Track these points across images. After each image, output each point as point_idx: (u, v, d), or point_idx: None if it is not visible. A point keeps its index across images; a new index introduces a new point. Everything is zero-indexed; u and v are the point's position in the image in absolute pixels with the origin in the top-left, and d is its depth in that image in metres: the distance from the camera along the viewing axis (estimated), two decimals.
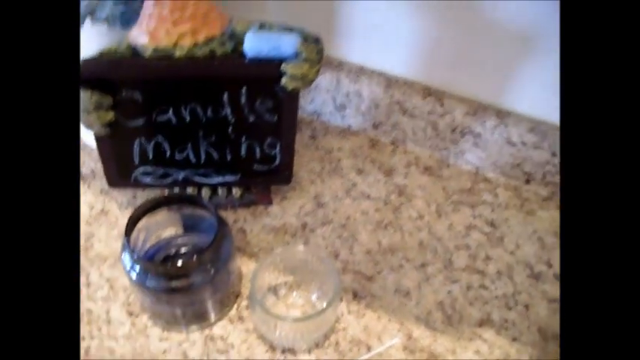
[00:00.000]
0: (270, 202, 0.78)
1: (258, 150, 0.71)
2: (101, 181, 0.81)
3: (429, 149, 0.85)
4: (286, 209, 0.78)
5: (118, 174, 0.72)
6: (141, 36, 0.62)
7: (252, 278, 0.62)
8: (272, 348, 0.65)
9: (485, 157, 0.82)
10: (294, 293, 0.69)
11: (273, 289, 0.68)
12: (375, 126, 0.86)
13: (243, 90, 0.65)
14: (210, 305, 0.64)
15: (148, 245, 0.67)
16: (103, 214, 0.78)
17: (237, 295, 0.69)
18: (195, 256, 0.59)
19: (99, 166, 0.82)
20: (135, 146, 0.69)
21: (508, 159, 0.81)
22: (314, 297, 0.68)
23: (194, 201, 0.65)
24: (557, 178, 0.81)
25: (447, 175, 0.83)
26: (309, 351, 0.65)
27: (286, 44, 0.62)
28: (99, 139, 0.68)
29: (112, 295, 0.69)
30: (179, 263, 0.60)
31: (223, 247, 0.62)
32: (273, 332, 0.63)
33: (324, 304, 0.62)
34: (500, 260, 0.75)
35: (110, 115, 0.65)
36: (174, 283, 0.59)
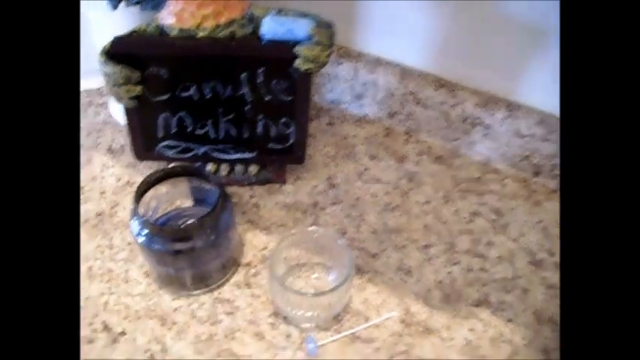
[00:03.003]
0: (284, 181, 0.83)
1: (273, 129, 0.75)
2: (129, 156, 0.87)
3: (441, 139, 0.89)
4: (299, 188, 0.82)
5: (144, 147, 0.78)
6: (168, 17, 0.68)
7: (272, 254, 0.66)
8: (275, 314, 0.69)
9: (494, 148, 0.85)
10: (310, 271, 0.73)
11: (291, 266, 0.72)
12: (391, 115, 0.90)
13: (261, 70, 0.70)
14: (212, 269, 0.69)
15: (158, 214, 0.73)
16: (128, 185, 0.84)
17: (238, 262, 0.74)
18: (196, 221, 0.64)
19: (128, 142, 0.88)
20: (160, 120, 0.74)
21: (517, 150, 0.84)
22: (330, 277, 0.72)
23: (198, 173, 0.70)
24: None
25: (457, 165, 0.86)
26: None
27: (300, 28, 0.67)
28: (128, 112, 0.74)
29: (132, 258, 0.75)
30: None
31: (223, 216, 0.66)
32: (289, 306, 0.67)
33: (338, 283, 0.65)
34: (503, 246, 0.78)
35: (138, 89, 0.71)
36: (178, 246, 0.65)
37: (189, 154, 0.78)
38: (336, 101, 0.93)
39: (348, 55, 0.89)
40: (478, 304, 0.72)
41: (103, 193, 0.83)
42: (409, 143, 0.89)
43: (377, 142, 0.89)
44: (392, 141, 0.90)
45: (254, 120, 0.75)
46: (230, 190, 0.81)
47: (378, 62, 0.88)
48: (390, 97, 0.88)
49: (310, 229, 0.71)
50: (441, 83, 0.84)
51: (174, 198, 0.75)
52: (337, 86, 0.91)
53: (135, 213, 0.65)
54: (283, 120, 0.74)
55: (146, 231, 0.65)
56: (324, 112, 0.93)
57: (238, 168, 0.81)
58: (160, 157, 0.79)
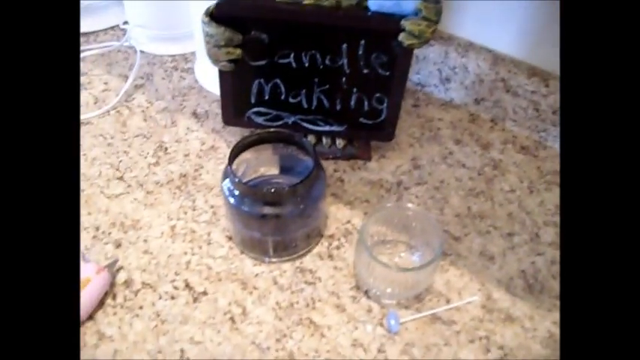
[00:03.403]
0: (369, 158, 0.82)
1: (366, 103, 0.75)
2: (214, 121, 0.88)
3: (527, 130, 0.87)
4: (384, 166, 0.82)
5: (234, 112, 0.78)
6: None
7: (364, 224, 0.66)
8: (356, 287, 0.69)
9: None
10: (395, 248, 0.72)
11: (375, 241, 0.72)
12: (477, 101, 0.89)
13: (362, 42, 0.69)
14: (296, 237, 0.69)
15: (246, 179, 0.73)
16: (212, 149, 0.84)
17: (322, 234, 0.74)
18: (289, 188, 0.63)
19: (212, 107, 0.89)
20: (254, 86, 0.74)
21: None
22: (415, 255, 0.71)
23: (296, 141, 0.70)
24: None
25: (543, 156, 0.85)
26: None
27: (407, 1, 0.66)
28: (222, 75, 0.74)
29: (215, 220, 0.75)
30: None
31: (315, 186, 0.66)
32: (372, 279, 0.66)
33: (424, 262, 0.65)
34: None
35: (238, 52, 0.71)
36: (267, 210, 0.65)
37: (279, 123, 0.78)
38: (423, 83, 0.92)
39: (440, 36, 0.88)
40: None
41: (187, 155, 0.84)
42: (494, 131, 0.88)
43: (462, 127, 0.88)
44: (477, 127, 0.88)
45: (349, 93, 0.74)
46: None
47: (469, 46, 0.86)
48: (479, 82, 0.87)
49: (403, 205, 0.70)
50: (534, 72, 0.83)
51: (260, 165, 0.75)
52: (425, 68, 0.90)
53: (228, 173, 0.65)
54: (378, 95, 0.74)
55: (237, 192, 0.65)
56: (409, 94, 0.92)
57: (325, 141, 0.81)
58: (249, 124, 0.79)
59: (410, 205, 0.70)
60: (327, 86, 0.74)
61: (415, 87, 0.92)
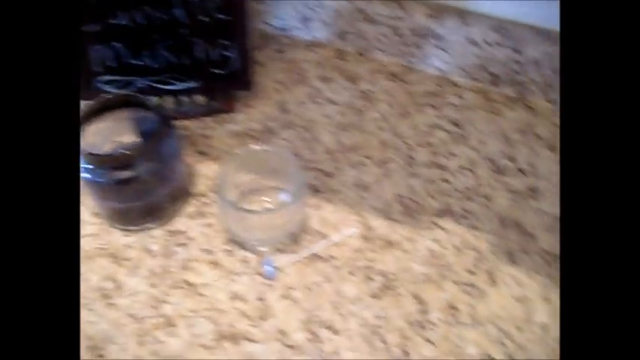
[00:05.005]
0: (233, 110, 0.79)
1: (213, 52, 0.72)
2: None
3: (394, 56, 0.85)
4: (250, 116, 0.79)
5: (83, 84, 0.74)
6: None
7: (219, 177, 0.63)
8: (231, 241, 0.67)
9: (449, 60, 0.82)
10: (264, 195, 0.70)
11: (240, 188, 0.69)
12: (341, 36, 0.86)
13: None
14: (160, 200, 0.66)
15: (104, 151, 0.69)
16: None
17: (189, 193, 0.71)
18: (135, 146, 0.61)
19: None
20: (92, 53, 0.71)
21: (473, 60, 0.81)
22: (281, 195, 0.69)
23: (136, 101, 0.66)
24: (523, 78, 0.80)
25: (413, 80, 0.84)
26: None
27: None
28: None
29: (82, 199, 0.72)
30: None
31: (166, 143, 0.64)
32: (242, 229, 0.64)
33: (291, 200, 0.63)
34: (464, 156, 0.75)
35: None
36: (120, 174, 0.62)
37: (131, 88, 0.74)
38: (284, 27, 0.89)
39: None
40: (440, 214, 0.70)
41: None
42: (362, 63, 0.86)
43: (329, 65, 0.86)
44: (344, 62, 0.86)
45: (192, 44, 0.71)
46: (179, 124, 0.78)
47: None
48: (339, 17, 0.84)
49: (254, 147, 0.67)
50: None
51: (117, 135, 0.71)
52: (282, 11, 0.87)
53: None
54: (223, 42, 0.71)
55: (89, 165, 0.62)
56: (272, 40, 0.89)
57: (184, 100, 0.78)
58: (100, 94, 0.75)
59: (256, 147, 0.67)
60: (170, 42, 0.71)
61: (277, 32, 0.89)
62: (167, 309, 0.63)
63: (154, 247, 0.67)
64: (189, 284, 0.64)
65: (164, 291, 0.64)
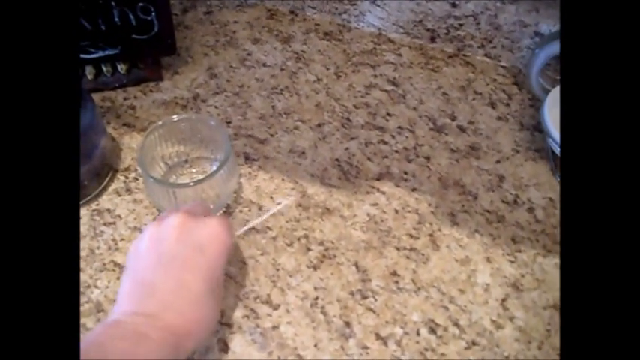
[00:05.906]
0: (160, 78, 0.75)
1: (132, 17, 0.67)
2: None
3: (328, 14, 0.82)
4: (177, 83, 0.75)
5: None
6: None
7: (140, 150, 0.59)
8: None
9: (385, 16, 0.79)
10: (190, 163, 0.66)
11: (166, 161, 0.66)
12: None
13: None
14: (83, 178, 0.62)
15: None
16: None
17: (114, 168, 0.67)
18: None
19: None
20: None
21: (409, 16, 0.78)
22: (212, 167, 0.65)
23: None
24: (460, 33, 0.78)
25: (348, 39, 0.80)
26: None
27: None
28: None
29: None
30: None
31: (82, 116, 0.59)
32: (171, 204, 0.61)
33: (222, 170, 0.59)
34: (402, 116, 0.73)
35: None
36: None
37: None
38: None
39: None
40: (380, 177, 0.68)
41: None
42: (295, 23, 0.82)
43: (260, 26, 0.82)
44: (276, 23, 0.82)
45: (108, 8, 0.66)
46: (101, 95, 0.73)
47: None
48: None
49: (175, 117, 0.63)
50: None
51: None
52: None
53: None
54: (141, 5, 0.66)
55: None
56: (200, 2, 0.84)
57: (105, 69, 0.73)
58: None
59: (179, 116, 0.63)
60: (83, 7, 0.65)
61: None
62: (95, 293, 0.59)
63: (80, 229, 0.63)
64: (119, 265, 0.61)
65: (91, 274, 0.60)
